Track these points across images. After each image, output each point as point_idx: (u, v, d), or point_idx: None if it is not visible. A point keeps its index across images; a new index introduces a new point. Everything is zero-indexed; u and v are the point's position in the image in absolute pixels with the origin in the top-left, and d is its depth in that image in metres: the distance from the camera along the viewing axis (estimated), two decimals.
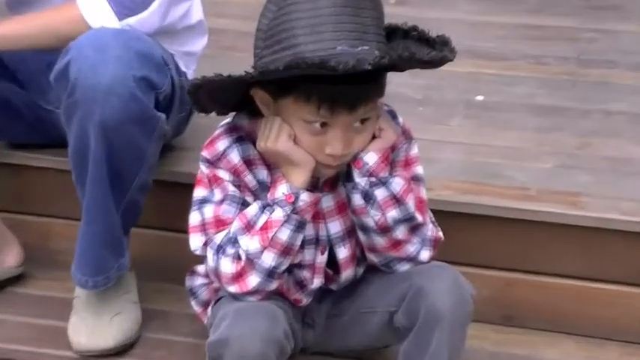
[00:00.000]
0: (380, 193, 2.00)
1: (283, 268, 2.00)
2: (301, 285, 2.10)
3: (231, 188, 2.02)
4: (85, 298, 2.36)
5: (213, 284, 2.12)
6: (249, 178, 2.03)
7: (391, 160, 2.04)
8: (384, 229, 2.03)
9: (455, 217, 2.40)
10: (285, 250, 1.98)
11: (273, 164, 2.02)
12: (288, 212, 1.96)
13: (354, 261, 2.12)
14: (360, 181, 1.99)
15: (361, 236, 2.07)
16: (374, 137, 2.00)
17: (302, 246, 2.03)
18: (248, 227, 1.98)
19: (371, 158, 1.99)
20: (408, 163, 2.10)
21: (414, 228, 2.06)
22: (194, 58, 2.50)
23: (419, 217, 2.05)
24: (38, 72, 2.45)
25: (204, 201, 2.05)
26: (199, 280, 2.18)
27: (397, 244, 2.06)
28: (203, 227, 2.04)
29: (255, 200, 2.01)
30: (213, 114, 2.06)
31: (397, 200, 2.01)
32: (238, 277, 2.00)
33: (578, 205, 2.42)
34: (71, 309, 2.37)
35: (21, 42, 2.30)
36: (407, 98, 2.88)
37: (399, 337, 2.07)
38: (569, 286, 2.44)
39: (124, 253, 2.35)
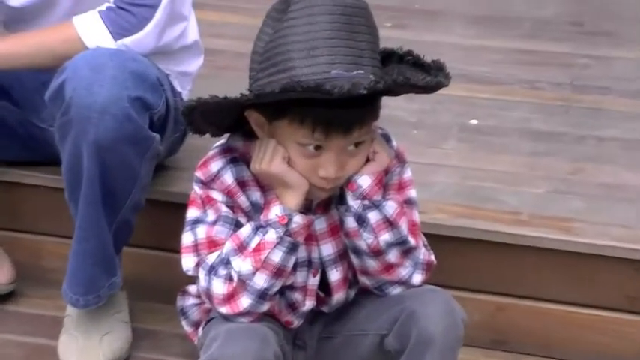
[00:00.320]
0: (373, 217, 2.00)
1: (275, 289, 2.00)
2: (293, 307, 2.10)
3: (224, 209, 2.02)
4: (76, 316, 2.36)
5: (205, 304, 2.12)
6: (242, 200, 2.03)
7: (384, 183, 2.05)
8: (377, 252, 2.03)
9: (447, 241, 2.40)
10: (278, 272, 1.98)
11: (266, 186, 2.03)
12: (281, 234, 1.96)
13: (346, 283, 2.12)
14: (354, 204, 2.00)
15: (354, 259, 2.07)
16: (368, 160, 2.01)
17: (294, 268, 2.03)
18: (240, 248, 1.98)
19: (365, 181, 1.99)
20: (401, 187, 2.10)
21: (407, 251, 2.06)
22: (189, 79, 2.50)
23: (412, 241, 2.05)
24: (33, 90, 2.45)
25: (197, 221, 2.05)
26: (190, 300, 2.18)
27: (390, 267, 2.06)
28: (195, 248, 2.04)
29: (248, 221, 2.02)
30: (208, 135, 2.06)
31: (390, 223, 2.01)
32: (230, 298, 2.00)
33: (570, 231, 2.43)
34: (62, 327, 2.37)
35: (17, 61, 2.31)
36: (401, 121, 2.88)
37: None
38: (560, 312, 2.44)
39: (116, 272, 2.35)
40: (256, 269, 1.97)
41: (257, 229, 1.98)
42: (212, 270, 2.00)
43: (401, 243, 2.04)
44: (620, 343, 2.42)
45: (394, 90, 1.96)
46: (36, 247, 2.64)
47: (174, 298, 2.22)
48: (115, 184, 2.22)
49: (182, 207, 2.10)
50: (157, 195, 2.46)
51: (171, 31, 2.35)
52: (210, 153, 2.05)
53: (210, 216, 2.03)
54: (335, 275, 2.09)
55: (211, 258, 2.01)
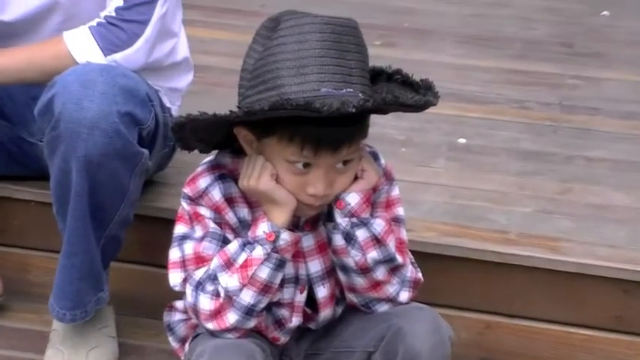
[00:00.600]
0: (361, 234, 2.00)
1: (262, 306, 2.00)
2: (280, 323, 2.10)
3: (212, 225, 2.02)
4: (62, 331, 2.35)
5: (192, 320, 2.11)
6: (230, 216, 2.03)
7: (372, 201, 2.05)
8: (364, 270, 2.03)
9: (435, 259, 2.40)
10: (265, 289, 1.98)
11: (254, 202, 2.03)
12: (269, 250, 1.96)
13: (333, 300, 2.12)
14: (342, 221, 2.00)
15: (341, 276, 2.07)
16: (356, 178, 2.01)
17: (281, 284, 2.03)
18: (228, 264, 1.98)
19: (353, 199, 1.99)
20: (389, 205, 2.10)
21: (394, 269, 2.06)
22: (179, 95, 2.51)
23: (399, 259, 2.06)
24: (23, 105, 2.45)
25: (184, 237, 2.05)
26: (177, 316, 2.18)
27: (377, 284, 2.06)
28: (183, 263, 2.04)
29: (235, 238, 2.02)
30: (196, 151, 2.06)
31: (378, 241, 2.02)
32: (217, 314, 2.00)
33: (559, 251, 2.44)
34: (48, 342, 2.36)
35: (6, 76, 2.31)
36: (390, 140, 2.89)
37: None
38: (548, 331, 2.45)
39: (103, 287, 2.35)
40: (243, 285, 1.97)
41: (244, 245, 1.98)
42: (199, 286, 2.00)
43: (388, 261, 2.04)
44: None
45: (383, 109, 1.96)
46: (23, 262, 2.64)
47: (161, 313, 2.21)
48: (104, 199, 2.22)
49: (170, 222, 2.10)
50: (145, 210, 2.46)
51: (162, 48, 2.36)
52: (199, 169, 2.05)
53: (198, 232, 2.03)
54: (322, 292, 2.09)
55: (198, 274, 2.01)
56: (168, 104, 2.44)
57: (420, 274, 2.13)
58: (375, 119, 1.99)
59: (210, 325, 2.00)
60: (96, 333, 2.35)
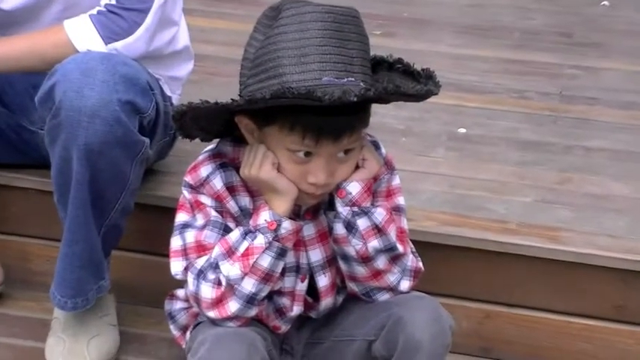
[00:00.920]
0: (362, 223, 2.01)
1: (263, 294, 2.00)
2: (281, 312, 2.11)
3: (213, 214, 2.03)
4: (63, 319, 2.35)
5: (193, 308, 2.12)
6: (231, 205, 2.03)
7: (373, 190, 2.05)
8: (365, 259, 2.04)
9: (435, 249, 2.41)
10: (266, 277, 1.98)
11: (256, 191, 2.03)
12: (270, 239, 1.97)
13: (334, 289, 2.13)
14: (343, 210, 2.00)
15: (342, 265, 2.07)
16: (357, 167, 2.01)
17: (282, 273, 2.03)
18: (229, 253, 1.99)
19: (354, 188, 2.00)
20: (389, 194, 2.11)
21: (395, 258, 2.07)
22: (179, 83, 2.51)
23: (400, 248, 2.06)
24: (23, 93, 2.45)
25: (185, 226, 2.05)
26: (179, 305, 2.18)
27: (378, 273, 2.06)
28: (184, 252, 2.05)
29: (237, 226, 2.02)
30: (197, 139, 2.07)
31: (379, 230, 2.02)
32: (218, 302, 2.00)
33: (558, 240, 2.44)
34: (49, 330, 2.37)
35: (6, 64, 2.30)
36: (390, 129, 2.89)
37: None
38: (548, 320, 2.45)
39: (104, 275, 2.35)
40: (245, 274, 1.97)
41: (246, 234, 1.98)
42: (200, 274, 2.01)
43: (389, 250, 2.04)
44: (607, 352, 2.43)
45: (384, 98, 1.97)
46: (24, 250, 2.64)
47: (162, 302, 2.22)
48: (105, 187, 2.22)
49: (171, 211, 2.10)
50: (146, 199, 2.46)
51: (162, 36, 2.35)
52: (200, 158, 2.05)
53: (199, 220, 2.03)
54: (323, 281, 2.10)
55: (200, 262, 2.01)
56: (168, 93, 2.44)
57: (420, 264, 2.13)
58: (374, 109, 1.99)
59: (212, 314, 2.01)
60: (97, 321, 2.35)
